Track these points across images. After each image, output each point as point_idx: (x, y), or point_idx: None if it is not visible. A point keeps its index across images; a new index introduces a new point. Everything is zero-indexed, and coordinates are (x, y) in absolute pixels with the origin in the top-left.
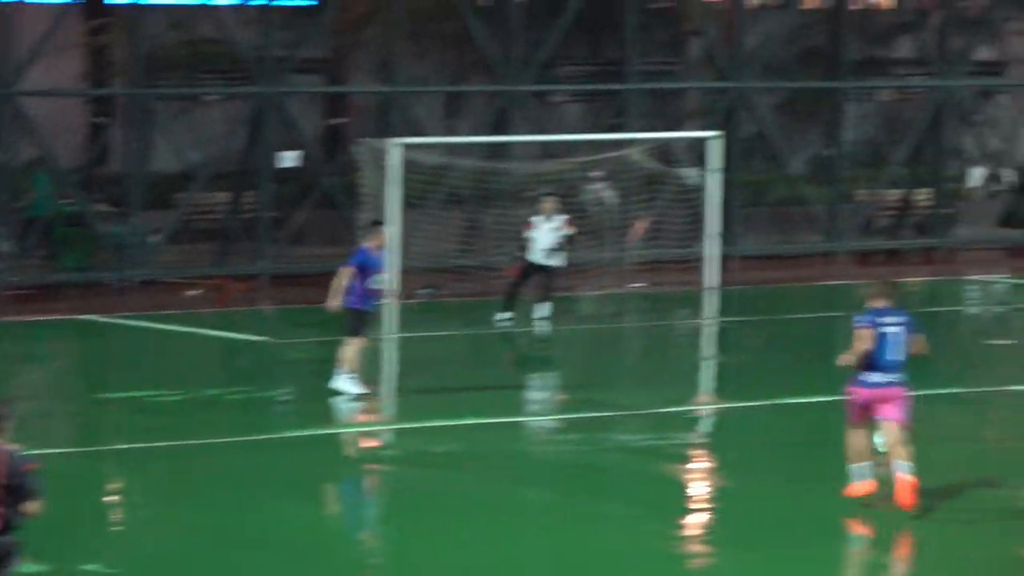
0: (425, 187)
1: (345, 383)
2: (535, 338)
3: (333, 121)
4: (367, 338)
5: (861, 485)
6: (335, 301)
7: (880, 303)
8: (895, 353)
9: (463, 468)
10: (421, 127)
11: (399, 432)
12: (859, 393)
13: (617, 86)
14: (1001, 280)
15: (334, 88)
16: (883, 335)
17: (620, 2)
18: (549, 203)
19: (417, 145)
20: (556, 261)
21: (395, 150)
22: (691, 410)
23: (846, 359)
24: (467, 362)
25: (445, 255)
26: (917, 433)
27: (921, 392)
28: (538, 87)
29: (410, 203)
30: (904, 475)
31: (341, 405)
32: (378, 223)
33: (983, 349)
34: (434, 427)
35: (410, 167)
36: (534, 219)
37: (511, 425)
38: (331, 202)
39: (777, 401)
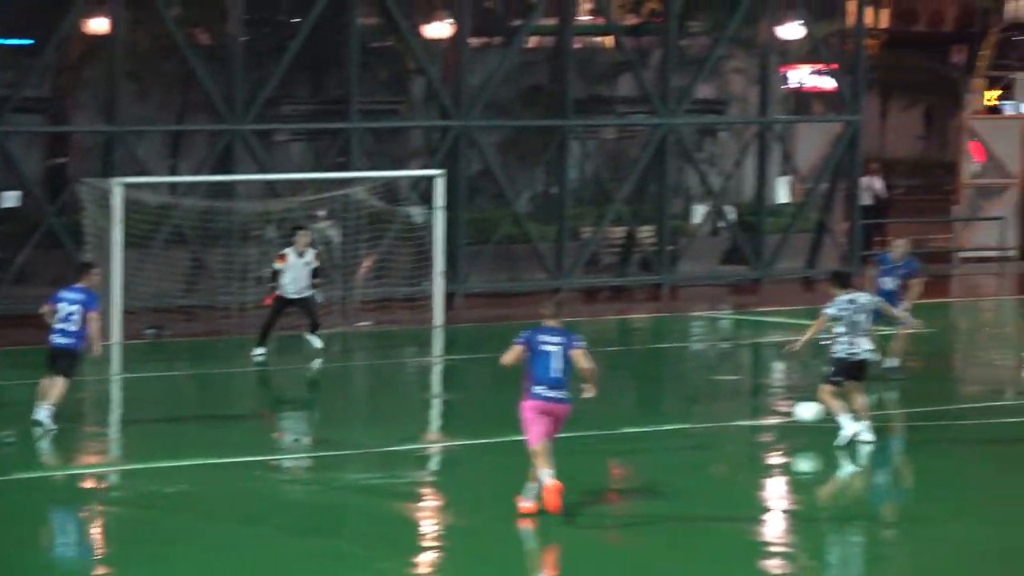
0: (149, 227)
1: (47, 415)
2: (265, 377)
3: (55, 161)
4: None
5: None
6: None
7: (547, 323)
8: (554, 371)
9: (192, 509)
10: (144, 166)
11: (127, 473)
12: (526, 405)
13: (340, 124)
14: (724, 316)
15: (55, 127)
16: (543, 353)
17: (341, 41)
18: (303, 237)
19: (140, 184)
20: (308, 293)
21: (117, 189)
22: (421, 448)
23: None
24: (195, 402)
25: (170, 294)
26: (650, 468)
27: (649, 428)
28: (261, 126)
29: (134, 243)
30: (549, 482)
31: (67, 447)
32: (88, 264)
33: (708, 385)
34: (163, 468)
35: (133, 206)
36: (287, 251)
37: (242, 465)
38: (55, 242)
39: (504, 439)
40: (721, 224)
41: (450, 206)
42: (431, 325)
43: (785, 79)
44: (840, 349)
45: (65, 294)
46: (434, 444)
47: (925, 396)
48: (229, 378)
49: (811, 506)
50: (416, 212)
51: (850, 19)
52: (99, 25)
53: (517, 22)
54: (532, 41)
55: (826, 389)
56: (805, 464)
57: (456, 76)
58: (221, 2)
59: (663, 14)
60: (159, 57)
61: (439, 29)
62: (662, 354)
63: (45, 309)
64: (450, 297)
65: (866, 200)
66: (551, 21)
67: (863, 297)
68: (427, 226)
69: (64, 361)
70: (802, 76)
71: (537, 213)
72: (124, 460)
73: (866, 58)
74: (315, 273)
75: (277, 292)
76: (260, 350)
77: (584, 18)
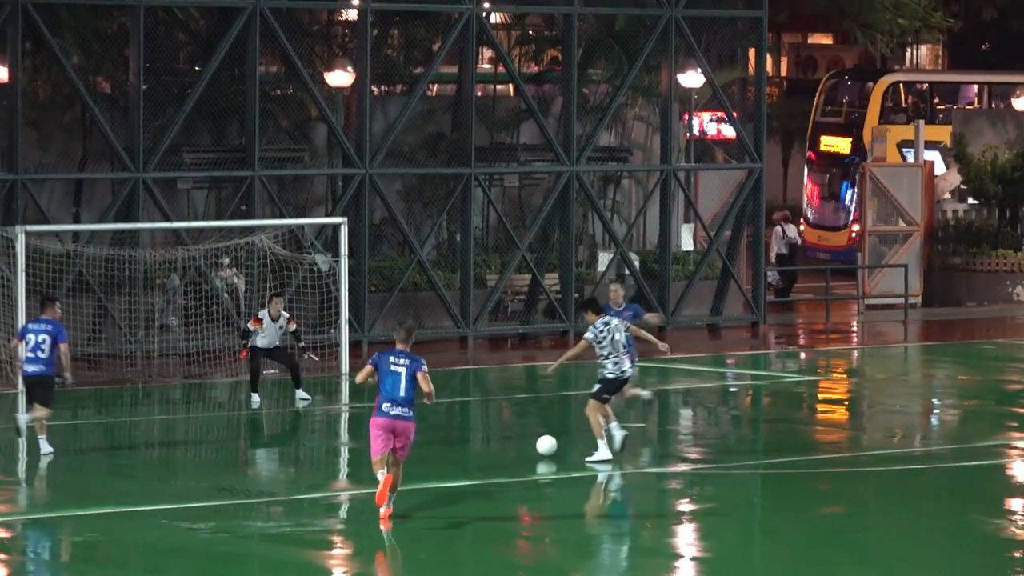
0: (52, 275)
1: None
2: (170, 425)
3: None
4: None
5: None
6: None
7: (397, 345)
8: (400, 389)
9: (101, 559)
10: (47, 214)
11: (34, 523)
12: (373, 422)
13: (243, 172)
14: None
15: None
16: (391, 372)
17: (243, 89)
18: (277, 304)
19: (42, 232)
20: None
21: (20, 237)
22: (329, 496)
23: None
24: (101, 450)
25: (75, 343)
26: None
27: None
28: (164, 174)
29: (38, 291)
30: (380, 478)
31: None
32: (52, 298)
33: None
34: (71, 516)
35: (36, 255)
36: (262, 314)
37: (149, 513)
38: None
39: (413, 487)
40: (625, 271)
41: (354, 253)
42: (338, 373)
43: (688, 127)
44: (611, 369)
45: (32, 326)
46: (341, 492)
47: (814, 443)
48: (134, 426)
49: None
50: (321, 260)
51: (751, 67)
52: None
53: (419, 70)
54: (434, 89)
55: (593, 405)
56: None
57: (358, 124)
58: (121, 51)
59: (564, 62)
60: (59, 105)
61: (341, 77)
62: (570, 402)
63: (13, 343)
64: (356, 345)
65: (781, 248)
66: (452, 69)
67: (614, 320)
68: (332, 274)
69: (39, 390)
70: (704, 124)
71: (442, 260)
72: (31, 509)
73: (767, 106)
74: (296, 336)
75: (248, 346)
76: (255, 396)
77: (485, 66)
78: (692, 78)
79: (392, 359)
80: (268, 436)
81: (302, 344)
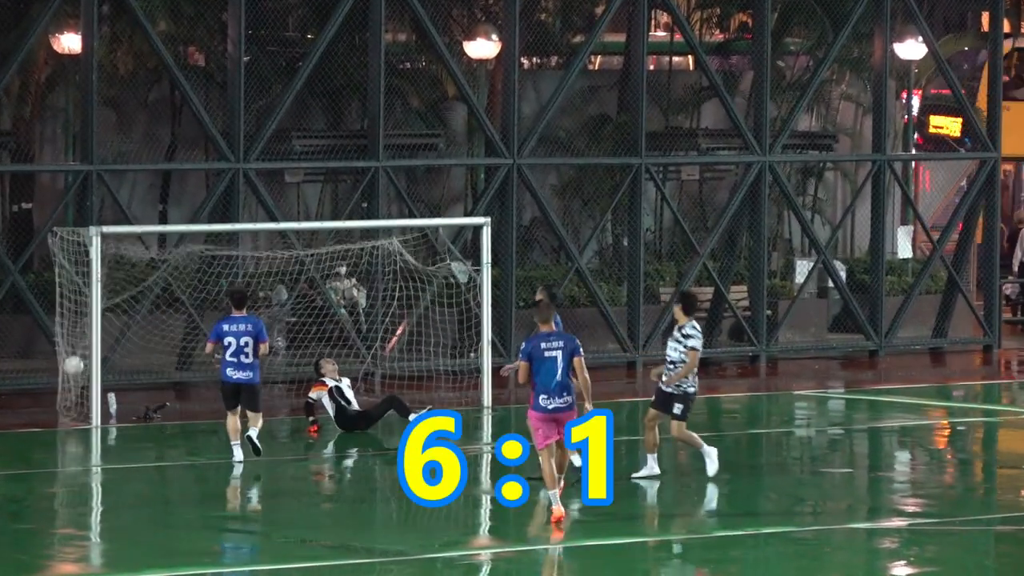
0: (135, 285)
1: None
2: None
3: (19, 206)
4: None
5: (559, 508)
6: None
7: (542, 327)
8: (556, 375)
9: None
10: (128, 212)
11: None
12: (533, 414)
13: (364, 163)
14: (835, 395)
15: (18, 166)
16: (545, 359)
17: (365, 62)
18: (327, 365)
19: (123, 234)
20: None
21: (95, 239)
22: (467, 555)
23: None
24: (198, 498)
25: (163, 368)
26: None
27: (744, 531)
28: (268, 164)
29: (116, 305)
30: (555, 508)
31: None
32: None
33: (816, 478)
34: None
35: (115, 261)
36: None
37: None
38: (20, 305)
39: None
40: (829, 284)
41: (499, 261)
42: (478, 406)
43: (908, 107)
44: (692, 382)
45: (228, 327)
46: (481, 550)
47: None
48: (228, 470)
49: None
50: (459, 269)
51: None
52: (70, 43)
53: (578, 39)
54: (596, 62)
55: (681, 426)
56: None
57: (505, 104)
58: (218, 15)
59: (755, 30)
60: (143, 81)
61: (484, 47)
62: (760, 441)
63: (208, 347)
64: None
65: None
66: (619, 37)
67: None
68: (472, 285)
69: (247, 396)
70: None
71: (606, 270)
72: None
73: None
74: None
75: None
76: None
77: (659, 34)
78: (912, 48)
79: (543, 344)
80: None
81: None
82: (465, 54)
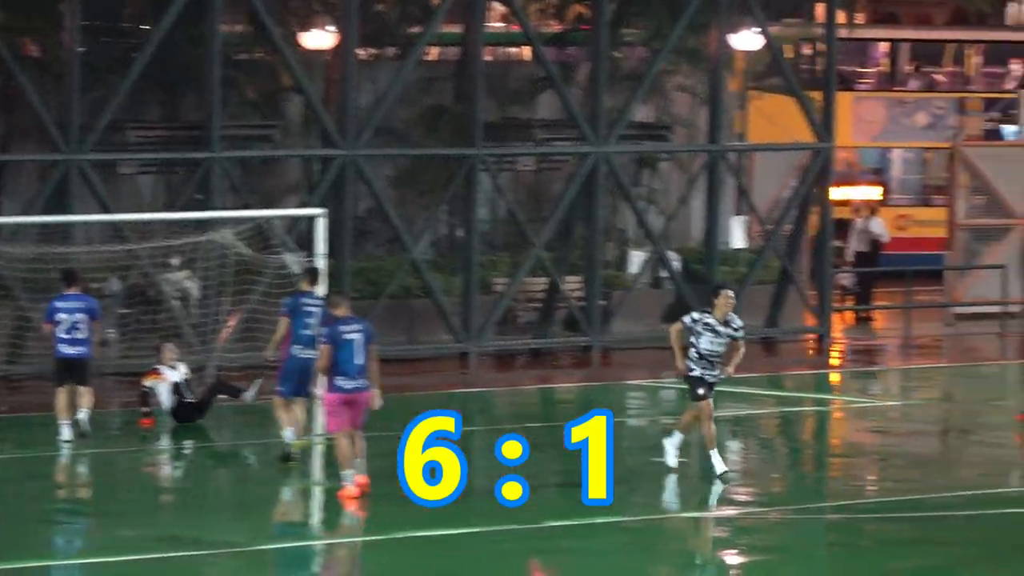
0: None
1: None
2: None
3: None
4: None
5: (353, 487)
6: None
7: (338, 312)
8: (355, 358)
9: None
10: None
11: None
12: (330, 398)
13: (199, 154)
14: (668, 384)
15: None
16: (345, 342)
17: (200, 53)
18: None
19: None
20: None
21: None
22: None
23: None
24: (28, 491)
25: None
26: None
27: (576, 521)
28: (103, 155)
29: None
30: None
31: None
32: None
33: (647, 468)
34: None
35: None
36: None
37: (83, 568)
38: None
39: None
40: (663, 274)
41: (334, 253)
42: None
43: (741, 98)
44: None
45: (61, 304)
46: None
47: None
48: (62, 461)
49: None
50: (293, 260)
51: (819, 21)
52: None
53: (415, 29)
54: (433, 53)
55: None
56: (764, 562)
57: (341, 95)
58: (54, 7)
59: (592, 20)
60: None
61: (321, 38)
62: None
63: (46, 328)
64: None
65: (861, 245)
66: (456, 28)
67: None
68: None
69: (79, 370)
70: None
71: (440, 261)
72: None
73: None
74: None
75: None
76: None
77: (496, 25)
78: (747, 38)
79: (343, 328)
80: (204, 476)
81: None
82: (301, 45)
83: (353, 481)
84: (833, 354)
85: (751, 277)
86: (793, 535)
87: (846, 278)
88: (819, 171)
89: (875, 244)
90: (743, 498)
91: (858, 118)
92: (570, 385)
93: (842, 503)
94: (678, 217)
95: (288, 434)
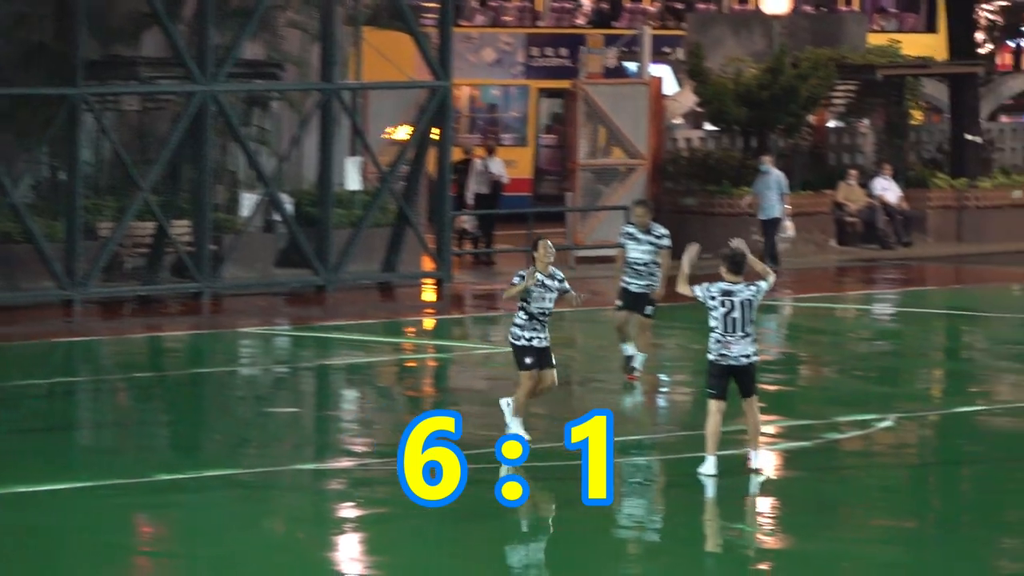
0: None
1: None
2: None
3: None
4: None
5: None
6: None
7: None
8: None
9: None
10: None
11: None
12: None
13: None
14: (282, 332)
15: None
16: None
17: None
18: None
19: None
20: None
21: None
22: None
23: None
24: None
25: None
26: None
27: (187, 475)
28: None
29: None
30: None
31: None
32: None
33: (261, 419)
34: None
35: None
36: None
37: None
38: None
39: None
40: (276, 218)
41: None
42: None
43: (355, 36)
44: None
45: None
46: None
47: None
48: None
49: (393, 570)
50: None
51: None
52: None
53: None
54: None
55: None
56: (382, 515)
57: None
58: None
59: None
60: None
61: None
62: (203, 381)
63: None
64: None
65: (481, 187)
66: None
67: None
68: None
69: None
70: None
71: (41, 205)
72: None
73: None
74: None
75: None
76: None
77: None
78: None
79: None
80: None
81: None
82: None
83: None
84: (453, 299)
85: (367, 220)
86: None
87: (466, 221)
88: (436, 110)
89: (496, 185)
90: (361, 449)
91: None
92: (179, 333)
93: (465, 452)
94: (291, 158)
95: None
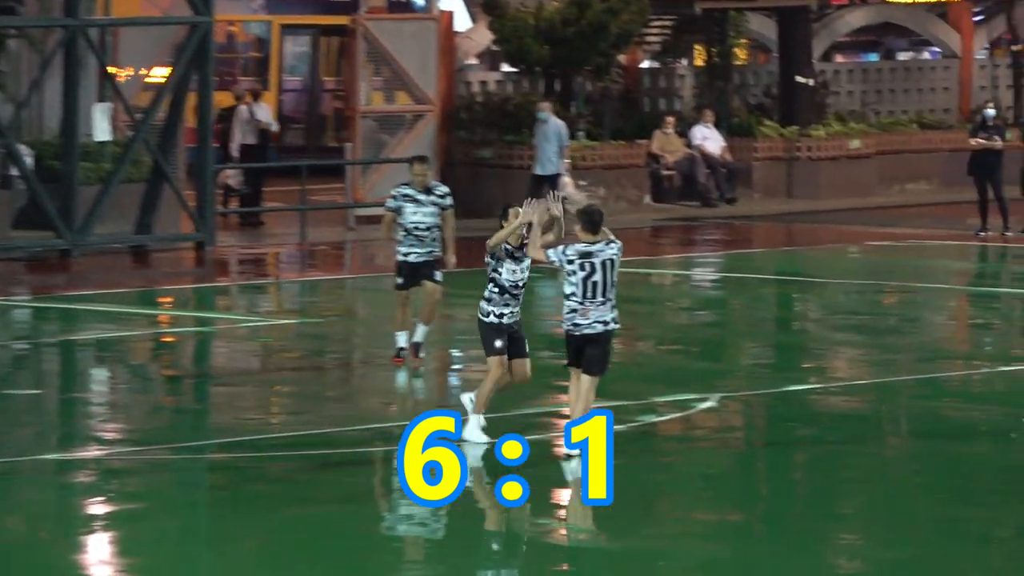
0: None
1: None
2: None
3: None
4: None
5: None
6: None
7: None
8: None
9: None
10: None
11: None
12: None
13: None
14: (20, 303)
15: None
16: None
17: None
18: None
19: None
20: None
21: None
22: None
23: None
24: None
25: None
26: None
27: None
28: None
29: None
30: None
31: None
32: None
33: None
34: None
35: None
36: None
37: None
38: None
39: None
40: (13, 172)
41: None
42: None
43: None
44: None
45: None
46: None
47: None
48: None
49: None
50: None
51: None
52: None
53: None
54: None
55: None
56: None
57: None
58: None
59: None
60: None
61: None
62: None
63: None
64: None
65: (248, 138)
66: None
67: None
68: None
69: None
70: None
71: None
72: None
73: None
74: None
75: None
76: None
77: None
78: None
79: None
80: None
81: None
82: None
83: None
84: (216, 265)
85: (118, 176)
86: (170, 478)
87: (232, 176)
88: (196, 49)
89: (263, 135)
90: (112, 436)
91: None
92: None
93: (228, 440)
94: (30, 104)
95: None
